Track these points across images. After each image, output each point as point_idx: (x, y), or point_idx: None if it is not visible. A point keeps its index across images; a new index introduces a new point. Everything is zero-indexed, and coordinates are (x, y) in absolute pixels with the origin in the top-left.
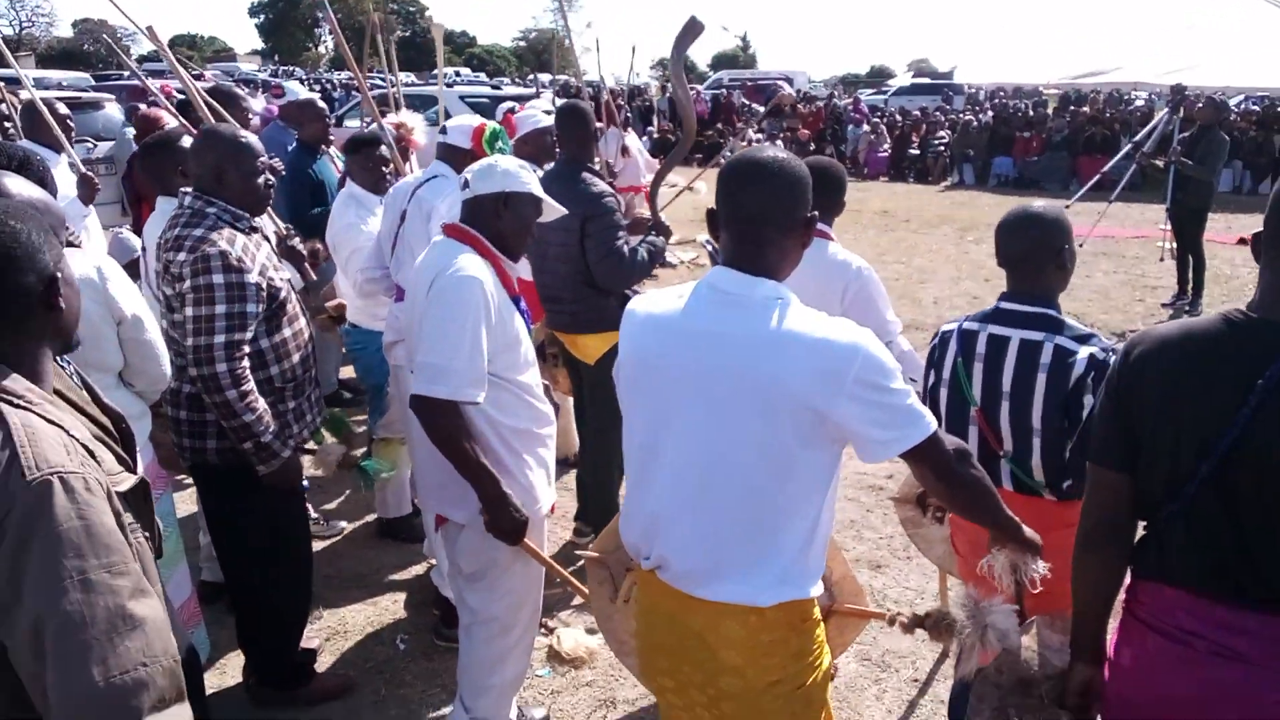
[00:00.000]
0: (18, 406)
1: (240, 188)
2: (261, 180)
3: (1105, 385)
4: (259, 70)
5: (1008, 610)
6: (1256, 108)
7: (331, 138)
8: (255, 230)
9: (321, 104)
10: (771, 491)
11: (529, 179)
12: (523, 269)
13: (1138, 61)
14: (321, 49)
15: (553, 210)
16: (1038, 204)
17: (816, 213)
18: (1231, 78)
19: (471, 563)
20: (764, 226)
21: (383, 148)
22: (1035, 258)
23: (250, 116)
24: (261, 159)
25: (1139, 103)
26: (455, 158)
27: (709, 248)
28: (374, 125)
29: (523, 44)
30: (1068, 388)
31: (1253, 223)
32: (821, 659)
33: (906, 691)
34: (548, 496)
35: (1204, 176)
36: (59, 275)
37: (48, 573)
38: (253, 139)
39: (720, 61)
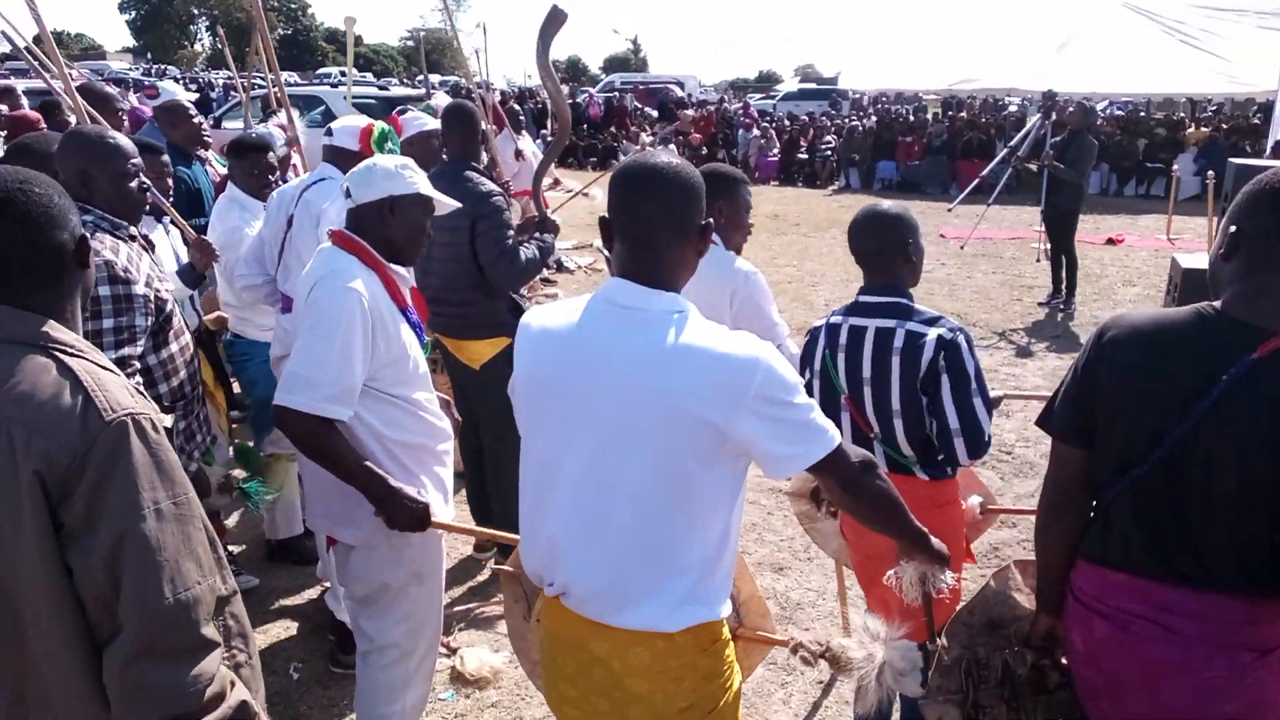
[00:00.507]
0: (74, 355)
1: (110, 192)
2: (134, 184)
3: (1074, 363)
4: (130, 69)
5: (907, 647)
6: (1120, 113)
7: (208, 139)
8: (134, 238)
9: (189, 105)
10: (673, 511)
11: (414, 177)
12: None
13: (1010, 68)
14: (198, 47)
15: (444, 205)
16: (884, 204)
17: (710, 220)
18: (1097, 84)
19: (364, 586)
20: (659, 234)
21: (270, 154)
22: (884, 253)
23: (123, 118)
24: (133, 160)
25: (1012, 108)
26: (343, 160)
27: (604, 252)
28: (263, 128)
29: (411, 44)
30: (920, 368)
31: (1119, 223)
32: (732, 679)
33: (812, 693)
34: (445, 514)
35: (1075, 180)
36: (86, 235)
37: (128, 502)
38: (122, 140)
39: (612, 64)
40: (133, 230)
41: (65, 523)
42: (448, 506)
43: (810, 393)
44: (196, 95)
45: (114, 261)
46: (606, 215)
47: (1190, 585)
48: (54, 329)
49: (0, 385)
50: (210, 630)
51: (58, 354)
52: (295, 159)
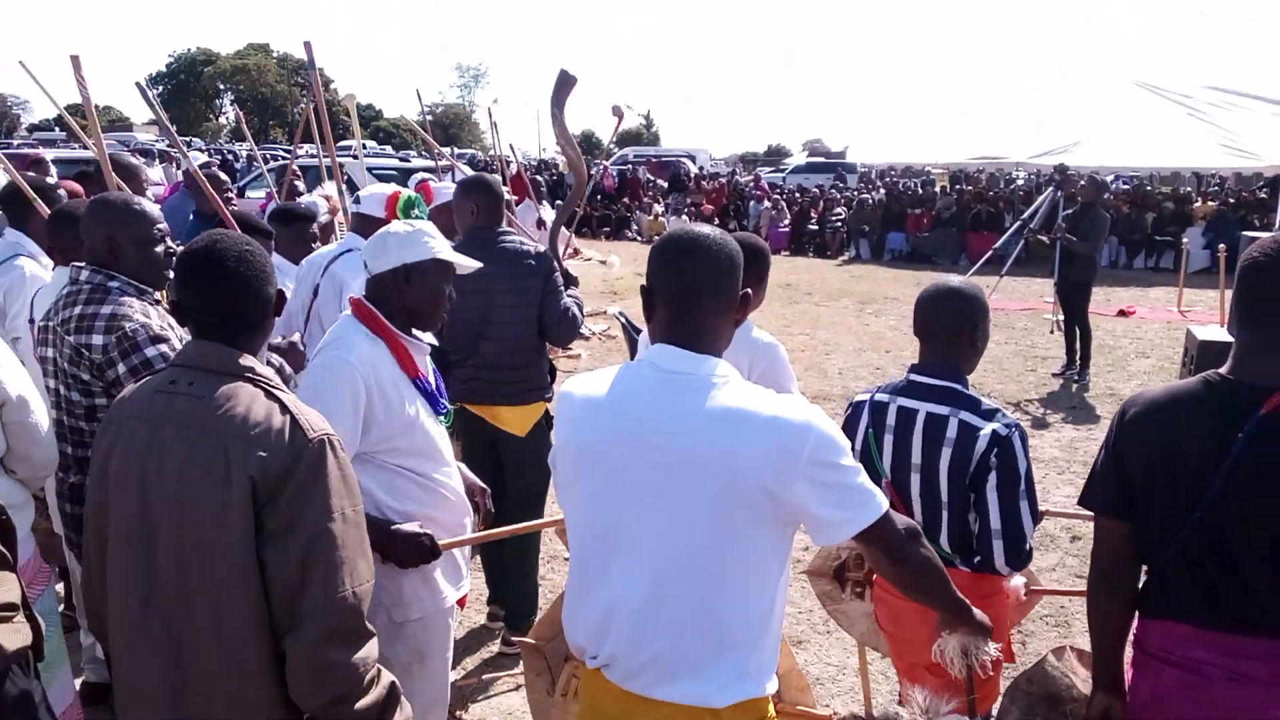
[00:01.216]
0: (275, 388)
1: (136, 257)
2: (160, 249)
3: (1104, 442)
4: (156, 140)
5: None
6: (1127, 187)
7: (234, 207)
8: (159, 303)
9: (221, 174)
10: (724, 579)
11: (431, 243)
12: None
13: (1018, 143)
14: (222, 119)
15: (464, 267)
16: (956, 280)
17: (749, 290)
18: (1105, 158)
19: None
20: (703, 301)
21: (314, 224)
22: (950, 331)
23: (147, 188)
24: (159, 226)
25: (1020, 181)
26: (370, 227)
27: (621, 319)
28: (308, 198)
29: (429, 118)
30: (971, 463)
31: (1130, 295)
32: None
33: None
34: (453, 588)
35: (1088, 252)
36: (282, 289)
37: (324, 507)
38: (148, 205)
39: (625, 139)
40: (158, 295)
41: (267, 524)
42: (464, 577)
43: None
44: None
45: (149, 324)
46: (647, 284)
47: (1255, 632)
48: (257, 364)
49: (216, 408)
50: (369, 624)
51: (263, 385)
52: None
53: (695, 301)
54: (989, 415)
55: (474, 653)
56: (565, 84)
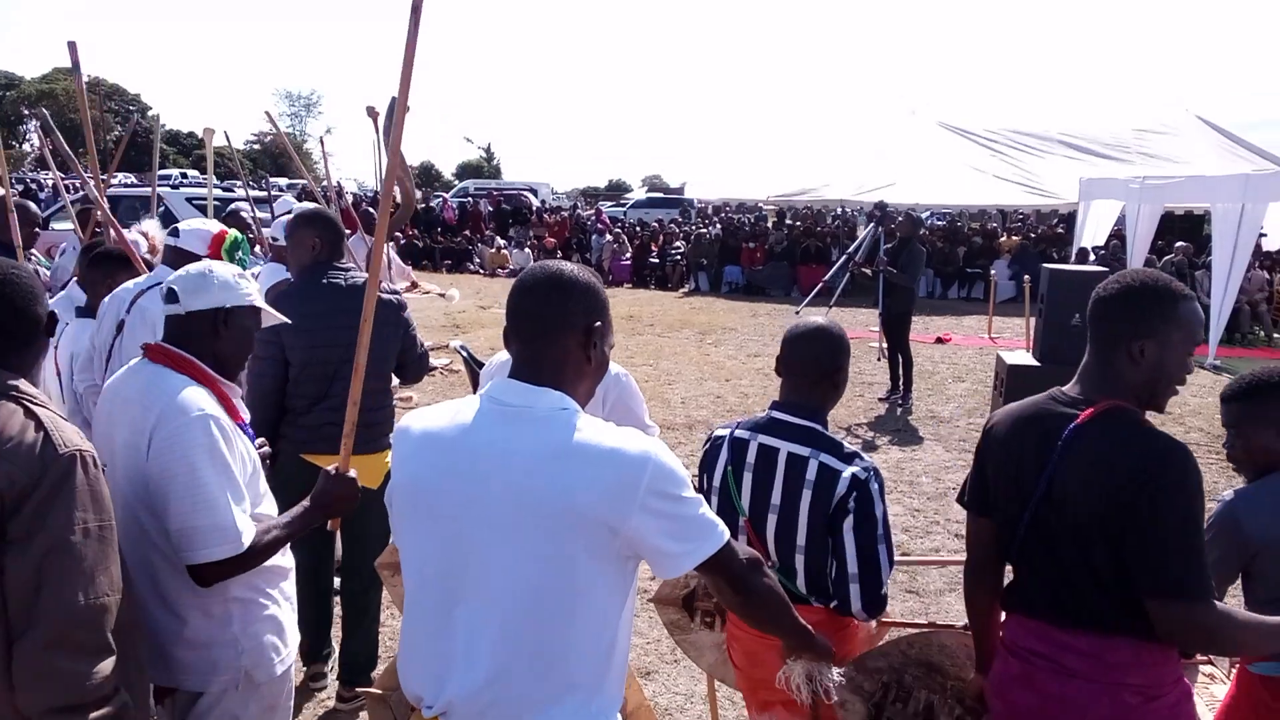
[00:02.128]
0: (38, 405)
1: None
2: None
3: (977, 448)
4: None
5: None
6: (940, 223)
7: (36, 234)
8: None
9: (32, 205)
10: (564, 618)
11: (249, 288)
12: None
13: (840, 181)
14: (26, 146)
15: (270, 318)
16: (822, 320)
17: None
18: (918, 196)
19: None
20: (545, 333)
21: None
22: (816, 371)
23: None
24: None
25: (840, 218)
26: (185, 263)
27: (463, 353)
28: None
29: (257, 147)
30: (831, 506)
31: (945, 323)
32: None
33: None
34: (296, 637)
35: (907, 284)
36: (54, 310)
37: (66, 518)
38: None
39: (466, 171)
40: None
41: (10, 532)
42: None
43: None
44: (19, 194)
45: None
46: (506, 320)
47: (1082, 627)
48: (23, 384)
49: None
50: (110, 638)
51: (25, 402)
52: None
53: (535, 332)
54: (848, 459)
55: (299, 713)
56: (398, 110)
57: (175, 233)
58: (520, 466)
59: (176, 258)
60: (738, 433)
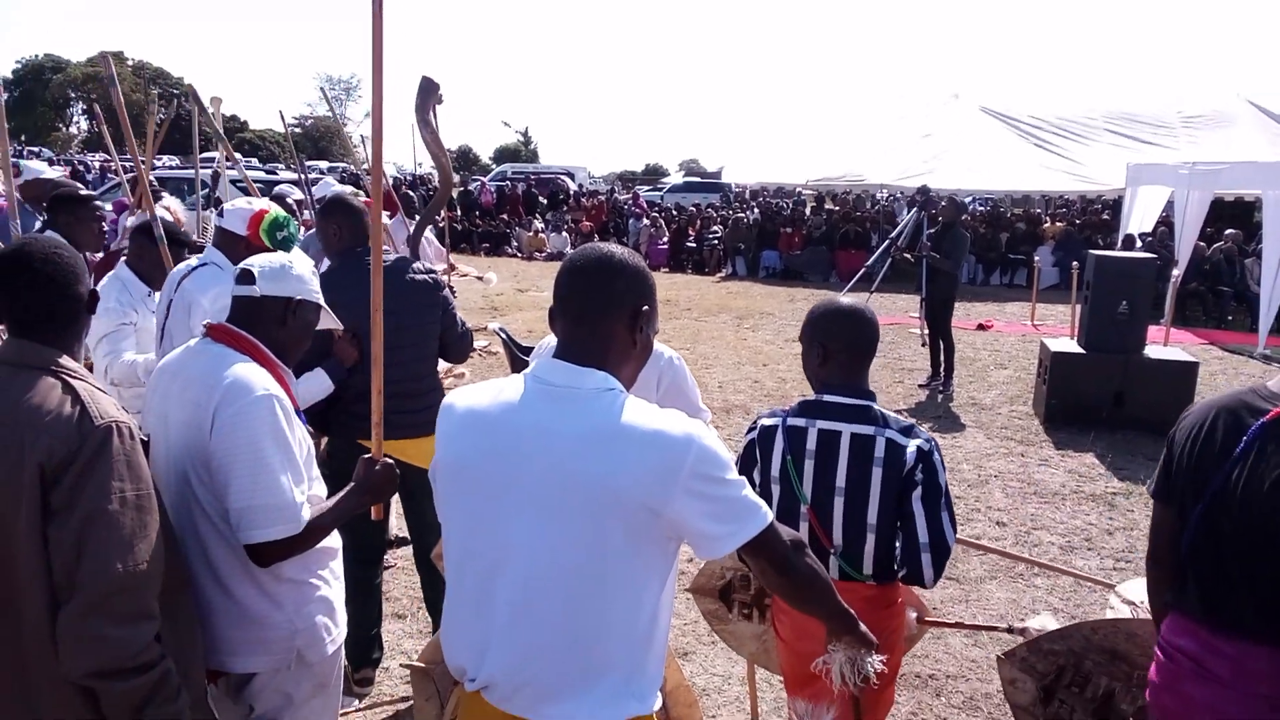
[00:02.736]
0: (77, 378)
1: None
2: None
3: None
4: None
5: None
6: (983, 208)
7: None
8: None
9: (57, 180)
10: (605, 598)
11: (318, 286)
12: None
13: (880, 165)
14: (73, 129)
15: (329, 321)
16: (854, 300)
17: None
18: (960, 181)
19: (264, 703)
20: (592, 313)
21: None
22: (860, 351)
23: None
24: None
25: (882, 203)
26: (229, 243)
27: (502, 335)
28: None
29: (298, 130)
30: (901, 481)
31: (987, 310)
32: None
33: None
34: (344, 616)
35: (950, 269)
36: (95, 290)
37: (103, 487)
38: None
39: (503, 155)
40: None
41: (52, 501)
42: (343, 605)
43: (769, 498)
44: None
45: None
46: (553, 302)
47: (1229, 632)
48: (64, 359)
49: (18, 399)
50: (153, 605)
51: (65, 377)
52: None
53: (581, 312)
54: (908, 431)
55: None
56: (429, 90)
57: (221, 213)
58: (563, 447)
59: (222, 238)
60: (791, 421)
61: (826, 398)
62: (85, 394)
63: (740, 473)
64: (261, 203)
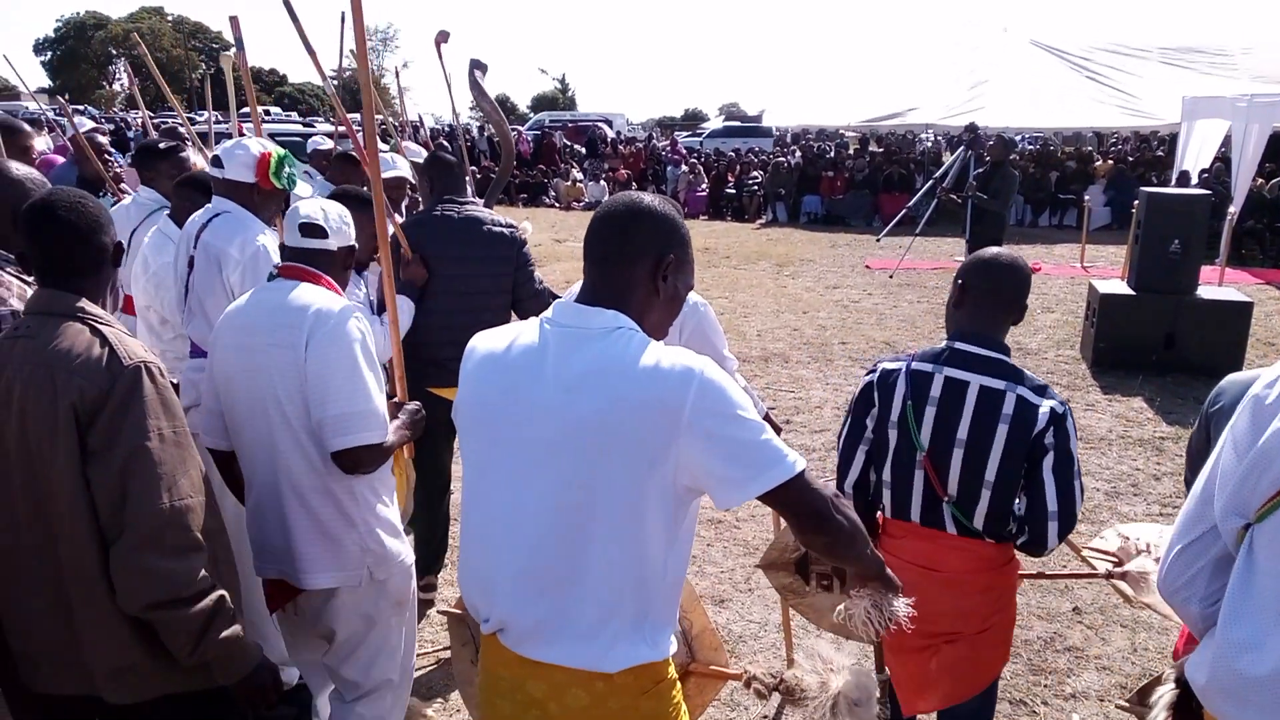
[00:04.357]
0: (103, 323)
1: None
2: None
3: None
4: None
5: (862, 675)
6: (1032, 147)
7: (119, 171)
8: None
9: (101, 139)
10: (605, 540)
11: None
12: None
13: (926, 104)
14: (116, 86)
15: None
16: (1011, 252)
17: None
18: (1009, 119)
19: (348, 628)
20: (613, 257)
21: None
22: (1004, 301)
23: (35, 155)
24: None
25: (928, 144)
26: (238, 193)
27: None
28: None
29: (335, 83)
30: (1029, 441)
31: (1035, 252)
32: None
33: None
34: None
35: (998, 209)
36: (121, 242)
37: (139, 426)
38: (27, 171)
39: (540, 103)
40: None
41: (90, 444)
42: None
43: (885, 441)
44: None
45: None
46: (584, 251)
47: None
48: (87, 304)
49: (47, 345)
50: (199, 538)
51: (90, 322)
52: None
53: (603, 257)
54: (1041, 391)
55: None
56: (479, 70)
57: (218, 163)
58: (565, 384)
59: (229, 187)
60: (917, 365)
61: (958, 345)
62: (113, 337)
63: (851, 417)
64: (259, 144)
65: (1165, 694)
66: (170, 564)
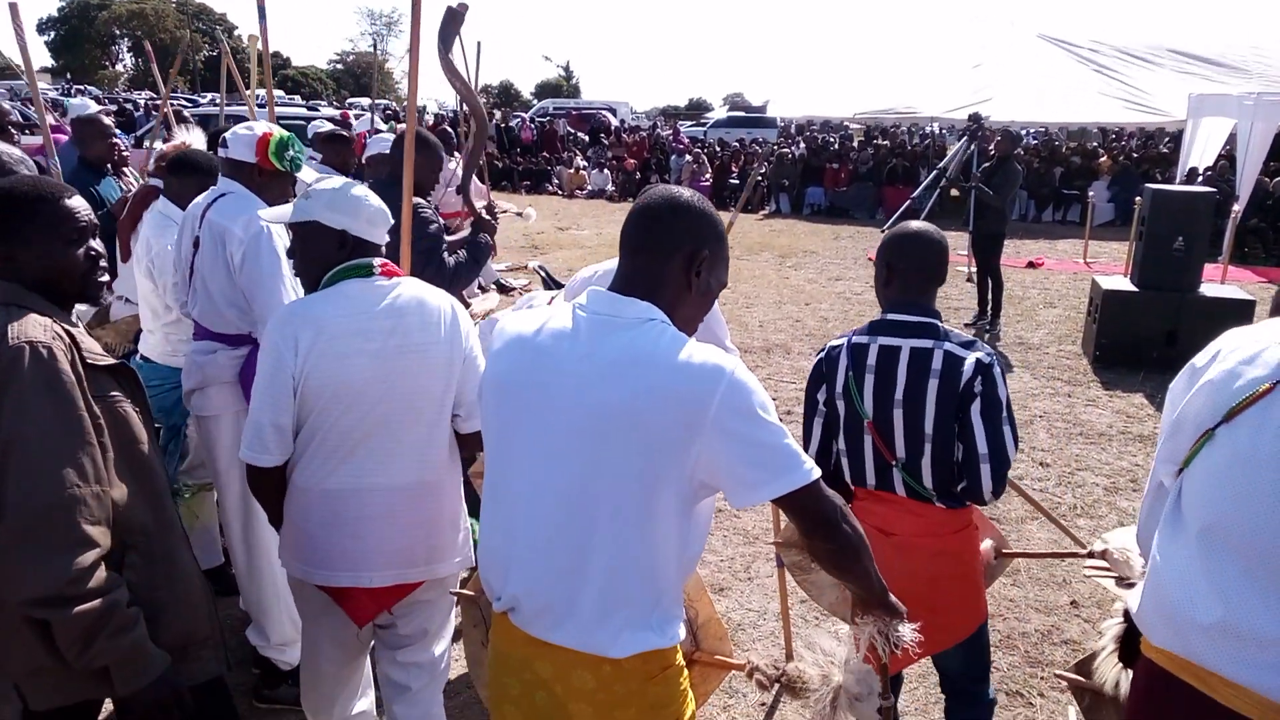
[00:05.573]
0: (15, 303)
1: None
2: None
3: None
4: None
5: (864, 671)
6: (1036, 142)
7: (124, 154)
8: None
9: (107, 121)
10: (619, 528)
11: None
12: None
13: (931, 97)
14: (119, 67)
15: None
16: (926, 225)
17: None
18: (1015, 113)
19: (443, 611)
20: (648, 248)
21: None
22: (926, 271)
23: (16, 136)
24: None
25: (936, 135)
26: (241, 173)
27: (541, 273)
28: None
29: (339, 66)
30: (958, 392)
31: (1038, 247)
32: (684, 708)
33: (756, 717)
34: None
35: (1000, 205)
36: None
37: (19, 411)
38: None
39: (544, 90)
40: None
41: None
42: None
43: (835, 416)
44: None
45: None
46: (621, 241)
47: None
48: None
49: None
50: (94, 531)
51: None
52: None
53: (636, 247)
54: (969, 345)
55: None
56: (453, 19)
57: (224, 143)
58: (593, 373)
59: (232, 167)
60: (855, 339)
61: (890, 315)
62: (8, 318)
63: (807, 396)
64: (262, 126)
65: (1113, 626)
66: (50, 558)
